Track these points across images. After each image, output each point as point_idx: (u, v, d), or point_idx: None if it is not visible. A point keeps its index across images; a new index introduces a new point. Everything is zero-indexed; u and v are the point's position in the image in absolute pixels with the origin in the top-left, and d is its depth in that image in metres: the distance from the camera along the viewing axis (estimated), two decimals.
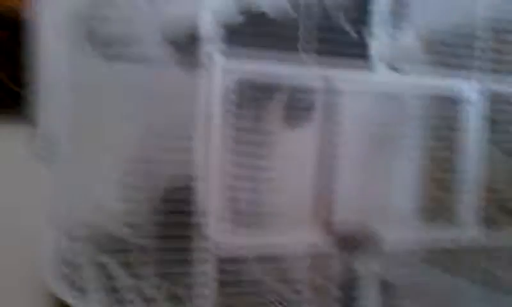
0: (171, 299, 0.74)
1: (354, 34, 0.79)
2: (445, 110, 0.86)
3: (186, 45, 0.71)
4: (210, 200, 0.68)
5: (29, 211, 0.92)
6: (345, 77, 0.76)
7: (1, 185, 1.16)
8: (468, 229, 0.85)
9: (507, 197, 0.87)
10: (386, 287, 0.83)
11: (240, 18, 0.72)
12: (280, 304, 0.77)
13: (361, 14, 0.79)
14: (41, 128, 0.84)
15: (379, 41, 0.78)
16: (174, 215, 0.70)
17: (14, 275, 1.16)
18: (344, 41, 0.77)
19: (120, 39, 0.75)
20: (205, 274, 0.70)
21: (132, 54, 0.72)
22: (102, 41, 0.75)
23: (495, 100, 0.87)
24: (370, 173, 0.81)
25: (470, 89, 0.84)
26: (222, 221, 0.69)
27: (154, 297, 0.75)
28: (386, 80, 0.78)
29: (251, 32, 0.71)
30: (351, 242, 0.77)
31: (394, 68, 0.81)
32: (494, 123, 0.86)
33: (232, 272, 0.71)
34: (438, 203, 0.86)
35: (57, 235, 0.73)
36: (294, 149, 0.78)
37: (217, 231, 0.68)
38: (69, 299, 0.70)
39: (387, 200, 0.81)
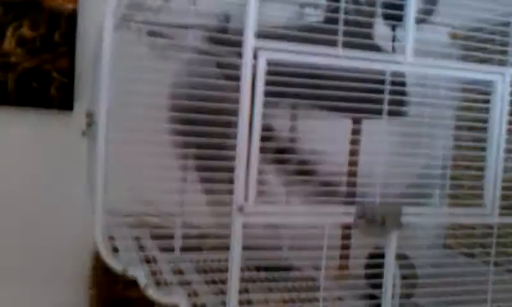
0: None
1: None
2: (477, 99, 0.90)
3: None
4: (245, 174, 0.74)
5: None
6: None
7: (56, 162, 1.32)
8: (490, 214, 0.88)
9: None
10: (404, 260, 0.87)
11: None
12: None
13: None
14: (86, 111, 0.93)
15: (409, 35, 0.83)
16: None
17: (65, 236, 1.36)
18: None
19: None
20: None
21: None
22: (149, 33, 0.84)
23: None
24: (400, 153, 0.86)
25: (500, 79, 0.88)
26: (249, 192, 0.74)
27: None
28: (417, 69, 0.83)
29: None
30: (374, 216, 0.81)
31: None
32: None
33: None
34: (463, 187, 0.90)
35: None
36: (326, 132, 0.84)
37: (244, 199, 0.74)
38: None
39: (413, 180, 0.86)
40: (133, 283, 1.34)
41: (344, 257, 1.03)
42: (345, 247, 1.01)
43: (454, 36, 1.11)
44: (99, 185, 0.77)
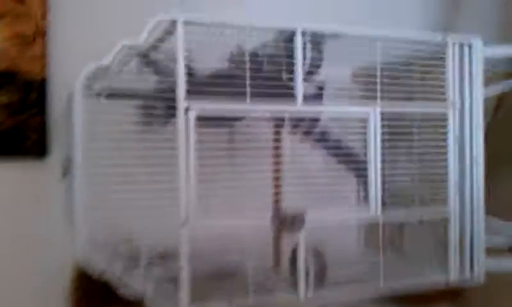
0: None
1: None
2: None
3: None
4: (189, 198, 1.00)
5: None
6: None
7: (35, 201, 1.50)
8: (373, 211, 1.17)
9: (401, 186, 1.20)
10: (317, 255, 1.14)
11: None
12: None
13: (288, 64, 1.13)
14: (63, 157, 1.17)
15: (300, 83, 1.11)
16: None
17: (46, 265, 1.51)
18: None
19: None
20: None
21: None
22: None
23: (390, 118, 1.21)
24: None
25: (373, 112, 1.18)
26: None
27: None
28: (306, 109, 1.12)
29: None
30: (290, 222, 1.09)
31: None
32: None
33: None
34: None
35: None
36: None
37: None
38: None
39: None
40: (109, 302, 1.56)
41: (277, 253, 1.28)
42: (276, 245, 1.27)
43: (355, 76, 1.40)
44: (78, 208, 1.00)
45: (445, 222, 1.23)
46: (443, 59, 1.23)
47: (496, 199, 1.84)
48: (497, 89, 1.40)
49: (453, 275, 1.22)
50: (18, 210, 1.53)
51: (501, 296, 1.81)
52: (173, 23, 1.01)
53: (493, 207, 1.77)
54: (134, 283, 1.03)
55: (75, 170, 1.01)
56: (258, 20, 1.11)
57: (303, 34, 1.10)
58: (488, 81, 1.49)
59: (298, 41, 1.09)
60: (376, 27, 1.20)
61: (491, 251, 1.34)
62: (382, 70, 1.21)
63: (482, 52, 1.24)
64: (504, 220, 1.43)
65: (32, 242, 1.54)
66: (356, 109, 1.15)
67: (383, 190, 1.18)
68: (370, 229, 1.19)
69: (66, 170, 1.14)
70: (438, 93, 1.23)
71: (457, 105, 1.22)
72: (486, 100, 1.81)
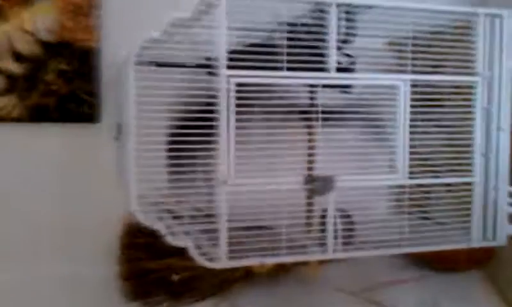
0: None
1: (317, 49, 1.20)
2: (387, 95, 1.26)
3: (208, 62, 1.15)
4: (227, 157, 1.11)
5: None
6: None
7: (89, 162, 1.64)
8: (402, 177, 1.25)
9: (427, 157, 1.27)
10: (345, 216, 1.23)
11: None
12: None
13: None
14: (116, 121, 1.29)
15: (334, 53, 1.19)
16: None
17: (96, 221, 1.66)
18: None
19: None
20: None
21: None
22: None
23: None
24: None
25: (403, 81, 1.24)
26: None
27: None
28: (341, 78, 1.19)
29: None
30: (320, 184, 1.18)
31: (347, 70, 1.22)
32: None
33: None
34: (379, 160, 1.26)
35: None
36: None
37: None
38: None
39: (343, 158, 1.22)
40: (154, 257, 1.69)
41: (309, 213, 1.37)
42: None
43: (391, 44, 1.40)
44: (130, 167, 1.12)
45: (470, 188, 1.29)
46: (474, 30, 1.27)
47: None
48: None
49: (476, 239, 1.28)
50: (73, 170, 1.67)
51: None
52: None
53: None
54: (178, 238, 1.14)
55: (128, 133, 1.11)
56: None
57: (337, 5, 1.17)
58: None
59: (333, 12, 1.16)
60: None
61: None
62: (415, 39, 1.26)
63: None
64: None
65: (86, 199, 1.69)
66: (387, 78, 1.21)
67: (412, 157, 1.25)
68: (400, 194, 1.27)
69: (119, 133, 1.26)
70: (468, 64, 1.28)
71: (486, 76, 1.27)
72: None
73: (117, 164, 1.35)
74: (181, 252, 1.16)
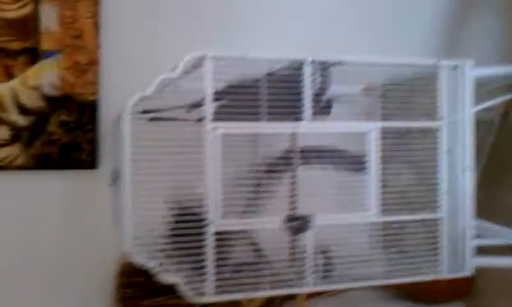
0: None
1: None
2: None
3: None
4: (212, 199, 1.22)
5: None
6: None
7: (86, 206, 1.75)
8: (374, 215, 1.36)
9: (398, 194, 1.39)
10: (323, 251, 1.34)
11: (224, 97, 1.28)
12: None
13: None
14: (112, 167, 1.41)
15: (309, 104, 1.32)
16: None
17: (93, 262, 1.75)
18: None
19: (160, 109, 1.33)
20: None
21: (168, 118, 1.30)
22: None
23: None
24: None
25: (373, 127, 1.37)
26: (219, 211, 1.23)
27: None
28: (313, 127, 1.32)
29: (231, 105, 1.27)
30: (299, 224, 1.29)
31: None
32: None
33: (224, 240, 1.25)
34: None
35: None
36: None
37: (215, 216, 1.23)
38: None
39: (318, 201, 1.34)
40: (148, 296, 1.78)
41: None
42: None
43: (365, 90, 1.52)
44: (126, 210, 1.23)
45: (438, 223, 1.41)
46: (437, 79, 1.41)
47: (501, 204, 2.00)
48: (488, 104, 1.57)
49: (445, 270, 1.39)
50: (73, 214, 1.78)
51: (509, 293, 1.96)
52: (202, 57, 1.23)
53: (498, 211, 1.94)
54: (169, 275, 1.24)
55: (123, 179, 1.23)
56: (273, 51, 1.31)
57: (311, 63, 1.30)
58: (492, 95, 1.67)
59: (307, 68, 1.30)
60: (382, 52, 1.39)
61: (494, 249, 1.51)
62: (385, 88, 1.39)
63: (471, 73, 1.41)
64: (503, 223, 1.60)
65: (83, 242, 1.78)
66: (358, 125, 1.34)
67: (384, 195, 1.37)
68: (377, 231, 1.38)
69: (115, 179, 1.38)
70: (432, 110, 1.41)
71: (448, 121, 1.40)
72: (493, 111, 1.99)
73: (112, 208, 1.45)
74: (174, 290, 1.25)
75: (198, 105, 1.30)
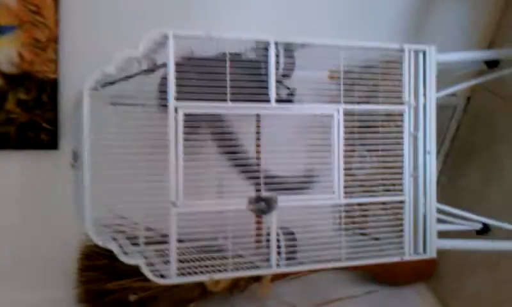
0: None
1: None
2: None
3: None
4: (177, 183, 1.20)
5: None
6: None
7: (46, 187, 1.70)
8: (337, 197, 1.36)
9: (361, 178, 1.39)
10: (287, 233, 1.34)
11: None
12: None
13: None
14: (73, 148, 1.37)
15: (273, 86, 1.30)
16: None
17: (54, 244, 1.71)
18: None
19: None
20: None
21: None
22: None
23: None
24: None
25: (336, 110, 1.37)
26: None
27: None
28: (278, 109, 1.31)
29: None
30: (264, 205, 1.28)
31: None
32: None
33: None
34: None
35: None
36: None
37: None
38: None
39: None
40: (111, 278, 1.76)
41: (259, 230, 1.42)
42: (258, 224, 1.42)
43: (330, 77, 1.57)
44: (86, 191, 1.20)
45: (401, 206, 1.42)
46: (401, 63, 1.41)
47: (463, 188, 2.04)
48: (452, 89, 1.59)
49: (407, 252, 1.41)
50: (32, 195, 1.74)
51: (470, 276, 2.01)
52: (165, 36, 1.20)
53: (460, 196, 1.97)
54: (130, 257, 1.22)
55: (83, 159, 1.20)
56: (240, 31, 1.29)
57: (276, 44, 1.29)
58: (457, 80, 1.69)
59: (271, 50, 1.28)
60: (348, 37, 1.38)
61: (454, 233, 1.54)
62: (349, 72, 1.38)
63: (435, 58, 1.42)
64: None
65: (44, 224, 1.75)
66: (321, 107, 1.34)
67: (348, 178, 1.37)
68: (341, 213, 1.38)
69: (75, 161, 1.34)
70: (396, 94, 1.42)
71: (412, 105, 1.41)
72: (457, 97, 2.02)
73: (74, 189, 1.42)
74: (138, 273, 1.22)
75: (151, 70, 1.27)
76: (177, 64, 1.20)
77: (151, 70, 1.28)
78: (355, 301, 2.09)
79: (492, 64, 1.80)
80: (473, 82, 1.76)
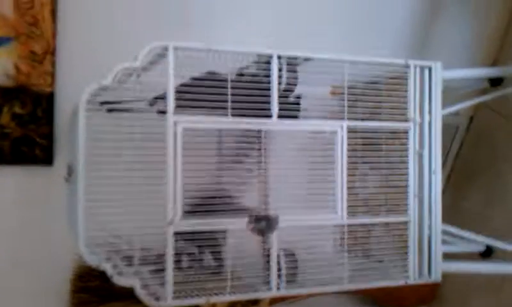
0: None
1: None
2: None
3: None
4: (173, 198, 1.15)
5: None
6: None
7: (41, 203, 1.65)
8: (340, 217, 1.31)
9: (364, 197, 1.35)
10: (288, 254, 1.29)
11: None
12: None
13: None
14: (67, 163, 1.32)
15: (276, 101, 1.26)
16: None
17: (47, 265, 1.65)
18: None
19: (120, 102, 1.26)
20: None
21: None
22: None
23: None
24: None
25: (339, 127, 1.33)
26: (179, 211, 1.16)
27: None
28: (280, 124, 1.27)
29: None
30: (264, 224, 1.24)
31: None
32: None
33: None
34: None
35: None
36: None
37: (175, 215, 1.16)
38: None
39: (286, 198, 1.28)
40: (105, 301, 1.70)
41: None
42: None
43: (332, 93, 1.55)
44: (80, 207, 1.15)
45: (406, 227, 1.37)
46: (406, 80, 1.38)
47: (466, 209, 2.00)
48: (457, 107, 1.56)
49: (412, 275, 1.36)
50: (25, 212, 1.68)
51: (473, 299, 1.96)
52: (165, 48, 1.16)
53: (463, 216, 1.93)
54: (124, 278, 1.17)
55: (78, 173, 1.15)
56: (241, 44, 1.26)
57: (279, 58, 1.25)
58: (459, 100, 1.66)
59: (274, 64, 1.25)
60: (357, 48, 1.35)
61: (463, 256, 1.49)
62: (352, 88, 1.34)
63: (441, 74, 1.39)
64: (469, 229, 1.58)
65: (37, 242, 1.69)
66: (325, 123, 1.30)
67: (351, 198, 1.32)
68: (343, 234, 1.33)
69: (70, 175, 1.29)
70: (401, 111, 1.38)
71: (417, 122, 1.37)
72: (460, 116, 2.00)
73: (68, 206, 1.37)
74: (133, 295, 1.18)
75: (160, 97, 1.24)
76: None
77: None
78: None
79: (495, 83, 1.78)
80: (476, 100, 1.73)
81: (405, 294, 2.09)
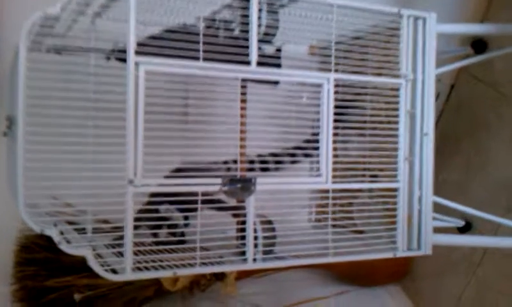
0: None
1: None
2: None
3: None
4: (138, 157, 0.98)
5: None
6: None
7: None
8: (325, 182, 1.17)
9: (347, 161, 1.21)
10: (265, 222, 1.14)
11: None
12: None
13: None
14: (6, 115, 1.13)
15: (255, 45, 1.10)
16: None
17: None
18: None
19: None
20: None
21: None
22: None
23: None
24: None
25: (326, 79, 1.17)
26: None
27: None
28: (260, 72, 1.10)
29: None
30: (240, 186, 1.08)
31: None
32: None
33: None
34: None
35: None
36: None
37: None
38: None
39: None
40: (53, 274, 1.52)
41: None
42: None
43: (312, 52, 1.40)
44: (19, 166, 0.96)
45: (395, 195, 1.24)
46: (397, 32, 1.24)
47: (445, 179, 1.90)
48: (448, 68, 1.44)
49: (401, 248, 1.23)
50: None
51: (447, 276, 1.87)
52: None
53: (442, 186, 1.83)
54: (74, 246, 0.99)
55: (17, 126, 0.96)
56: None
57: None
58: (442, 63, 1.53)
59: (254, 2, 1.08)
60: None
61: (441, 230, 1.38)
62: (338, 43, 1.20)
63: (435, 27, 1.25)
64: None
65: None
66: (311, 75, 1.14)
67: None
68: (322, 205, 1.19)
69: (10, 127, 1.10)
70: (392, 67, 1.24)
71: (410, 78, 1.23)
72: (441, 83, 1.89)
73: (7, 166, 1.18)
74: (86, 267, 1.00)
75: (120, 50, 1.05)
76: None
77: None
78: (325, 303, 1.93)
79: (480, 49, 1.69)
80: (462, 63, 1.62)
81: (375, 270, 1.99)
